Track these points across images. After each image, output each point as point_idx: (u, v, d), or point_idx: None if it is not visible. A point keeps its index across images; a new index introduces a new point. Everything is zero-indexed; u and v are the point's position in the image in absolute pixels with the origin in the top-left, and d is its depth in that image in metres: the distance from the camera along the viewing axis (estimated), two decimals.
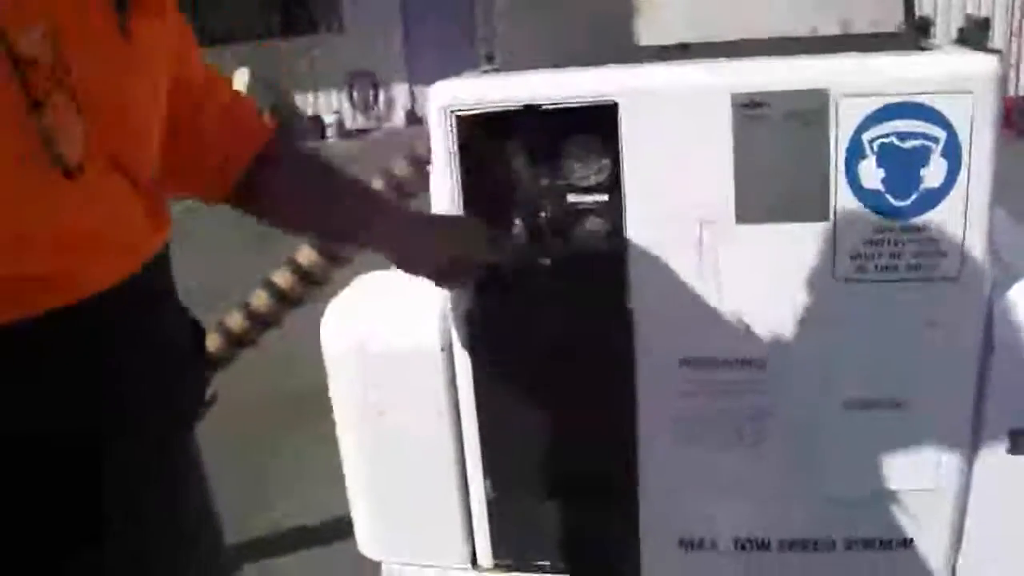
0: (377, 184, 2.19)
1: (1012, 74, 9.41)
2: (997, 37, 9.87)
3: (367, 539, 1.92)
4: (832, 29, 1.50)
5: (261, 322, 2.50)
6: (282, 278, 2.45)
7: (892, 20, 1.49)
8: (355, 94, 13.40)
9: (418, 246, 1.35)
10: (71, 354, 0.79)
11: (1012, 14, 9.34)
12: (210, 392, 1.27)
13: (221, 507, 1.09)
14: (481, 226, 1.47)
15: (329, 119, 12.99)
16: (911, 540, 1.63)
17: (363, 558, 1.94)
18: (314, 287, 2.43)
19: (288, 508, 2.98)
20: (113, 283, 0.82)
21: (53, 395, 0.78)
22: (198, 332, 1.06)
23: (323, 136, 12.81)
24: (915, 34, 1.50)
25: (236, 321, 2.49)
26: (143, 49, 0.87)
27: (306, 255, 2.38)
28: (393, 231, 1.32)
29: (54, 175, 0.74)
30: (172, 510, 0.98)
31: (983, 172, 1.40)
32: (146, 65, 0.89)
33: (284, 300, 2.43)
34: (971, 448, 1.56)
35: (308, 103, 13.53)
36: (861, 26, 1.49)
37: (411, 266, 1.38)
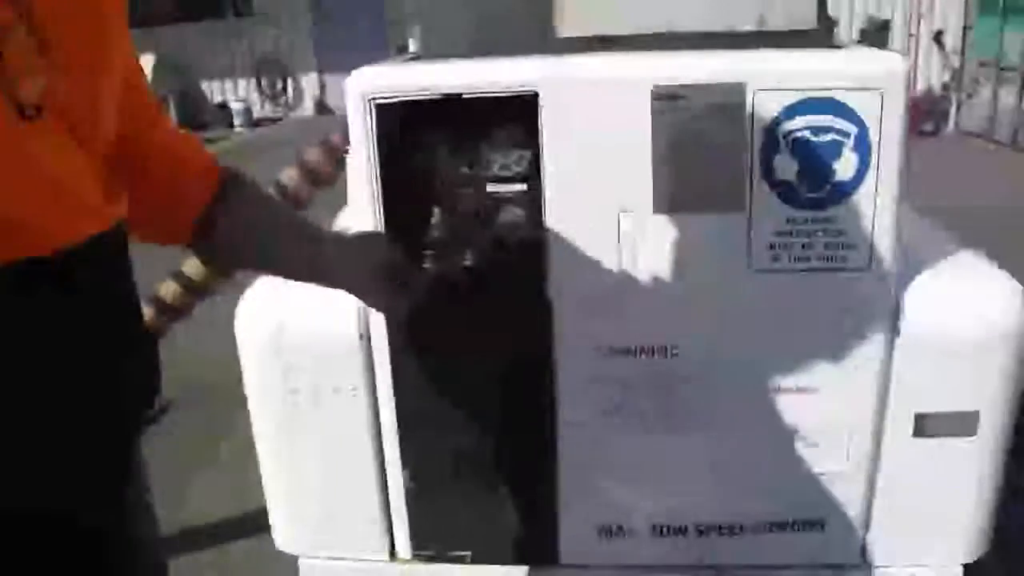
0: (290, 173, 2.15)
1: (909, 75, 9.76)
2: (896, 38, 10.26)
3: (284, 533, 1.89)
4: (749, 25, 1.53)
5: (171, 312, 2.43)
6: (191, 267, 2.38)
7: (806, 18, 1.52)
8: (263, 82, 13.14)
9: (356, 268, 1.30)
10: (43, 306, 0.77)
11: (910, 17, 9.70)
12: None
13: None
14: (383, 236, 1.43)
15: (236, 107, 12.69)
16: (823, 521, 1.68)
17: (280, 552, 1.91)
18: (223, 277, 2.37)
19: (201, 503, 2.91)
20: (79, 239, 0.79)
21: (26, 344, 0.76)
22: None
23: (231, 125, 12.51)
24: (827, 32, 1.54)
25: (146, 313, 2.41)
26: (108, 8, 0.85)
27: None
28: (338, 258, 1.28)
29: (9, 111, 0.71)
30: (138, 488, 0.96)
31: (892, 166, 1.45)
32: (110, 27, 0.86)
33: (194, 290, 2.37)
34: (878, 431, 1.62)
35: (215, 90, 13.20)
36: (776, 23, 1.52)
37: (361, 290, 1.33)
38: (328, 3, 12.51)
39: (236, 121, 12.50)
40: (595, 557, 1.75)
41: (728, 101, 1.42)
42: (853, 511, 1.67)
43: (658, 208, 1.49)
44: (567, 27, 1.55)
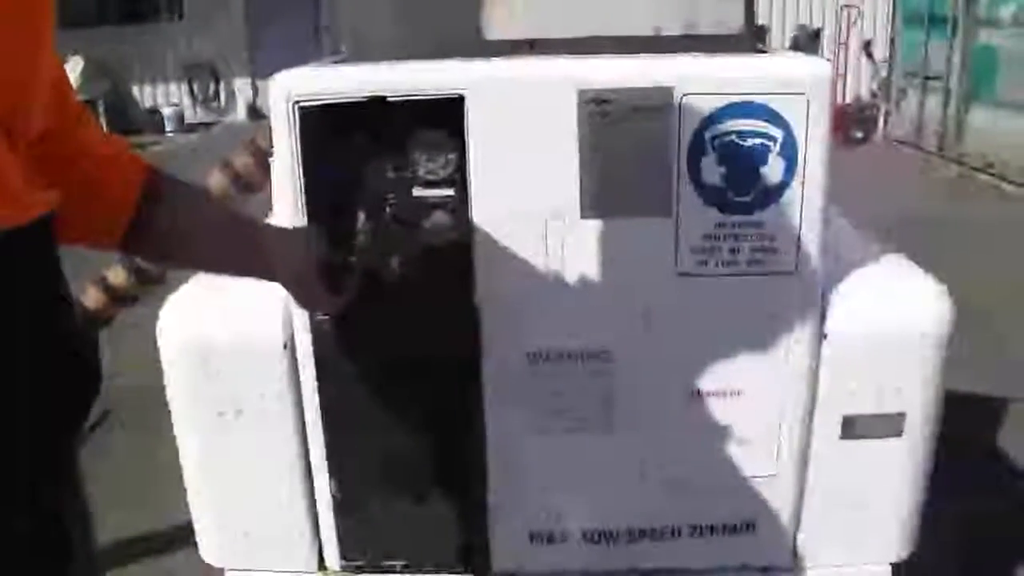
0: (217, 178, 2.09)
1: (838, 83, 9.99)
2: (826, 48, 10.48)
3: (209, 545, 1.83)
4: (676, 30, 1.53)
5: (91, 318, 2.35)
6: (114, 274, 2.31)
7: (733, 23, 1.53)
8: (195, 86, 12.91)
9: (292, 262, 1.28)
10: None
11: (839, 27, 9.93)
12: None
13: None
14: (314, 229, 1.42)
15: (168, 112, 12.45)
16: (754, 523, 1.69)
17: (206, 565, 1.85)
18: (147, 285, 2.31)
19: (123, 516, 2.82)
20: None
21: None
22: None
23: (162, 130, 12.27)
24: (754, 38, 1.55)
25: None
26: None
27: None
28: (274, 248, 1.26)
29: None
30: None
31: (817, 170, 1.46)
32: (40, 20, 0.83)
33: (115, 297, 2.29)
34: (807, 433, 1.63)
35: (145, 94, 12.94)
36: (704, 28, 1.53)
37: (296, 284, 1.31)
38: (262, 8, 12.35)
39: (168, 126, 12.26)
40: (527, 564, 1.73)
41: (655, 105, 1.42)
42: (784, 513, 1.68)
43: (585, 212, 1.48)
44: (494, 30, 1.54)
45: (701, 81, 1.41)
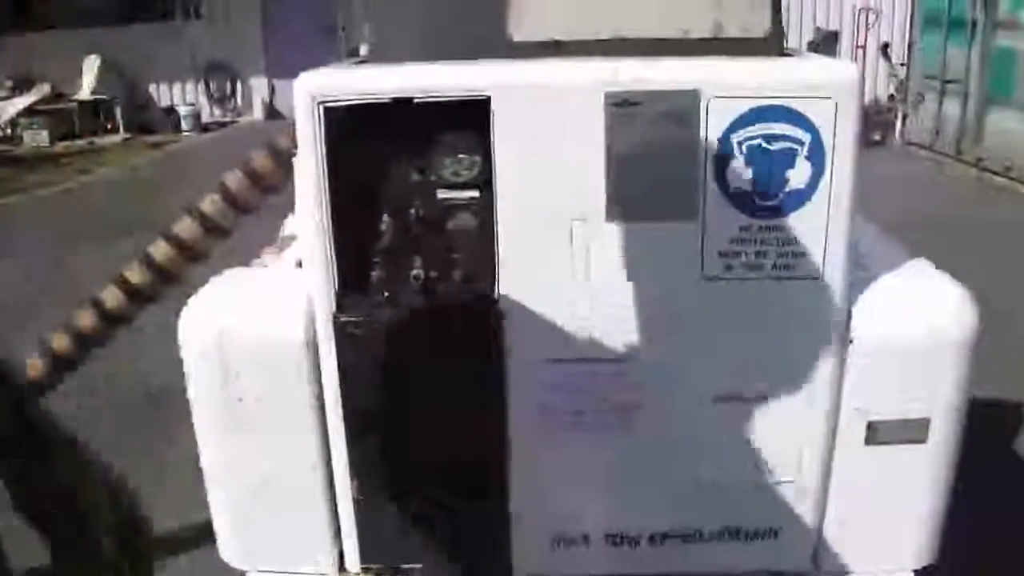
0: (236, 176, 2.09)
1: None
2: (843, 50, 10.44)
3: (229, 546, 1.83)
4: (703, 32, 1.52)
5: (85, 342, 2.33)
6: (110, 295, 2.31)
7: (761, 26, 1.52)
8: (211, 85, 12.94)
9: None
10: None
11: (857, 29, 9.88)
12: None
13: None
14: None
15: (184, 111, 12.49)
16: (777, 529, 1.68)
17: (226, 566, 1.85)
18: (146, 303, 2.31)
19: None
20: None
21: None
22: None
23: (178, 129, 12.31)
24: (781, 41, 1.54)
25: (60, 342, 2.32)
26: None
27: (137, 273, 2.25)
28: None
29: None
30: None
31: (845, 175, 1.45)
32: None
33: (111, 319, 2.27)
34: (831, 440, 1.62)
35: (162, 94, 12.98)
36: (731, 30, 1.51)
37: None
38: (278, 7, 12.37)
39: (184, 125, 12.31)
40: (549, 568, 1.73)
41: (682, 108, 1.41)
42: (806, 519, 1.67)
43: (611, 216, 1.48)
44: (521, 31, 1.53)
45: (728, 84, 1.41)
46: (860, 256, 1.70)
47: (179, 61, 12.37)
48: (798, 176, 1.44)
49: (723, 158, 1.43)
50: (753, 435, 1.60)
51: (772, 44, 1.53)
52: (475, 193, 1.55)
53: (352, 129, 1.51)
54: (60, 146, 11.54)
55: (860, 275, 1.60)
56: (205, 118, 12.78)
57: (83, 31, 11.84)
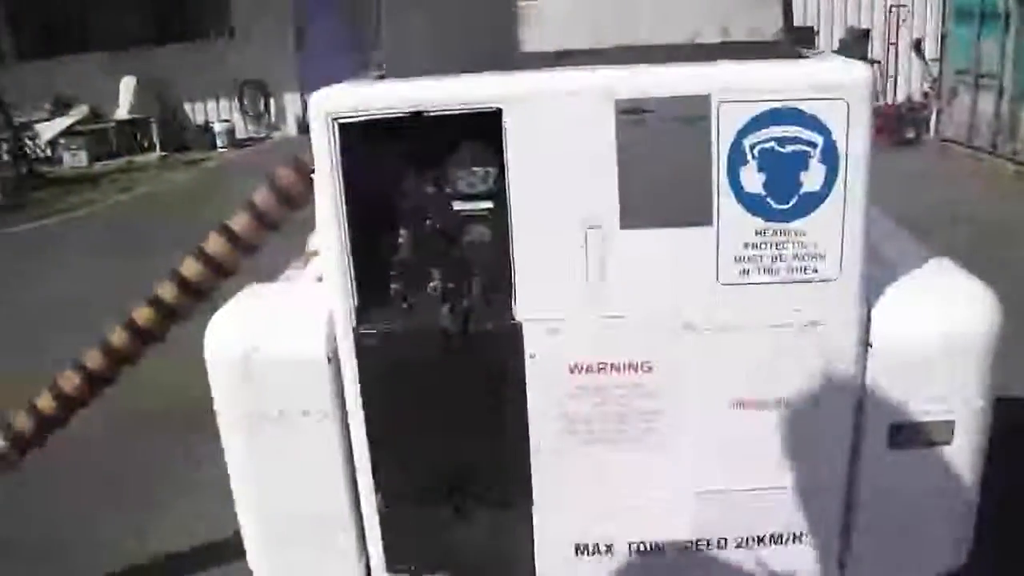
0: (263, 194, 2.12)
1: (889, 84, 9.83)
2: (875, 47, 10.31)
3: (256, 554, 1.86)
4: (712, 36, 1.52)
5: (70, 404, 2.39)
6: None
7: (771, 28, 1.51)
8: (245, 102, 13.09)
9: None
10: None
11: (889, 26, 9.76)
12: None
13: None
14: None
15: (219, 128, 12.65)
16: (801, 535, 1.67)
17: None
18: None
19: (182, 525, 2.88)
20: None
21: None
22: None
23: (213, 146, 12.47)
24: (793, 42, 1.53)
25: (45, 402, 2.39)
26: None
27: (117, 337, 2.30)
28: None
29: None
30: None
31: (859, 176, 1.44)
32: None
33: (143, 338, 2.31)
34: (854, 444, 1.60)
35: (197, 111, 13.16)
36: (740, 34, 1.51)
37: None
38: (310, 21, 12.49)
39: (219, 142, 12.46)
40: (572, 575, 1.73)
41: (692, 114, 1.41)
42: (831, 523, 1.66)
43: (625, 223, 1.48)
44: (531, 42, 1.54)
45: (738, 89, 1.40)
46: (880, 256, 1.69)
47: (213, 79, 12.53)
48: (812, 179, 1.43)
49: (736, 162, 1.43)
50: (774, 440, 1.59)
51: (783, 46, 1.53)
52: (490, 204, 1.56)
53: (366, 143, 1.53)
54: (99, 166, 11.74)
55: (879, 276, 1.58)
56: (240, 134, 12.93)
57: (119, 53, 12.05)
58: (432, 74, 1.54)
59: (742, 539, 1.67)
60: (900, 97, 10.01)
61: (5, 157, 10.39)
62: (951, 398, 1.56)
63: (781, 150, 1.42)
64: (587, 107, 1.43)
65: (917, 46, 9.78)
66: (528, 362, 1.58)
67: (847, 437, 1.60)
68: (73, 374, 2.32)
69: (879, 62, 9.95)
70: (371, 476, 1.72)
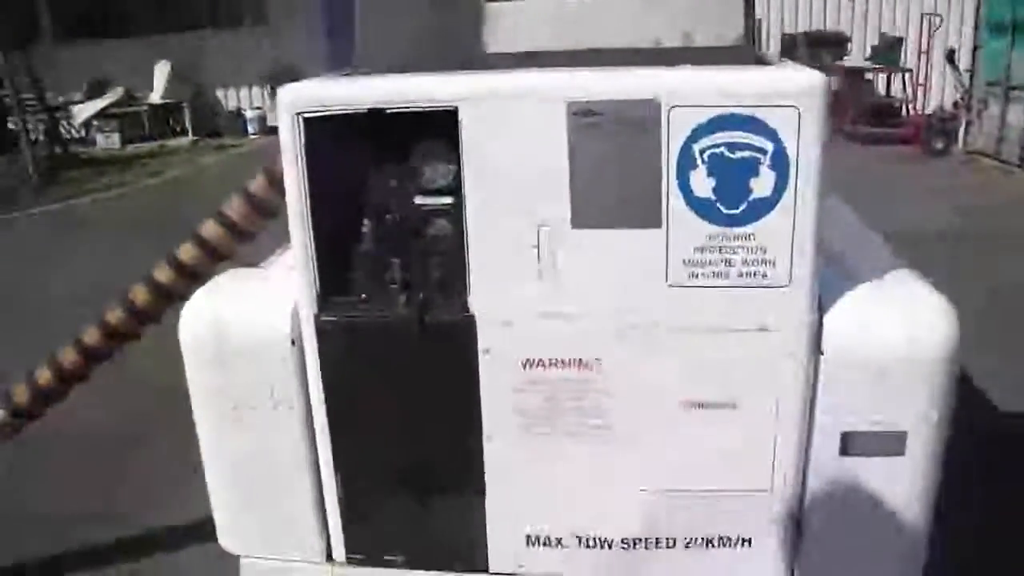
0: (236, 203, 2.16)
1: (920, 93, 9.72)
2: (908, 56, 10.20)
3: (226, 533, 1.92)
4: (674, 41, 1.53)
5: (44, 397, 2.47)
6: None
7: (732, 34, 1.52)
8: (277, 89, 13.22)
9: None
10: None
11: (921, 34, 9.63)
12: None
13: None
14: None
15: (250, 114, 12.79)
16: (749, 539, 1.68)
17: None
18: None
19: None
20: None
21: None
22: None
23: (244, 132, 12.62)
24: (754, 48, 1.54)
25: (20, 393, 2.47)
26: None
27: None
28: None
29: None
30: None
31: (810, 183, 1.45)
32: None
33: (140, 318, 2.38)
34: (805, 449, 1.61)
35: (229, 98, 13.32)
36: (703, 39, 1.53)
37: None
38: (342, 9, 12.57)
39: (250, 128, 12.61)
40: (524, 566, 1.76)
41: (642, 117, 1.43)
42: (781, 529, 1.67)
43: (577, 222, 1.50)
44: (496, 43, 1.57)
45: (688, 93, 1.42)
46: (845, 264, 1.69)
47: (245, 66, 12.66)
48: (762, 184, 1.44)
49: (685, 166, 1.44)
50: (723, 443, 1.61)
51: (744, 53, 1.54)
52: (450, 199, 1.58)
53: (331, 138, 1.56)
54: (131, 148, 11.93)
55: (836, 284, 1.59)
56: (271, 121, 13.05)
57: (155, 38, 12.22)
58: (399, 72, 1.57)
59: (690, 539, 1.68)
60: (931, 108, 9.89)
61: (40, 137, 10.56)
62: (903, 409, 1.56)
63: (731, 155, 1.43)
64: (539, 108, 1.46)
65: (950, 56, 9.65)
66: (481, 355, 1.61)
67: (799, 443, 1.60)
68: (72, 350, 2.40)
69: (911, 71, 9.84)
70: (331, 459, 1.76)
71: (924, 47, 9.55)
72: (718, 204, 1.46)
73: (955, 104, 9.55)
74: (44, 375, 2.45)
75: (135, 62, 12.16)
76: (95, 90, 12.36)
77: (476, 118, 1.48)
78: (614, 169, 1.47)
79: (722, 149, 1.43)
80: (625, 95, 1.43)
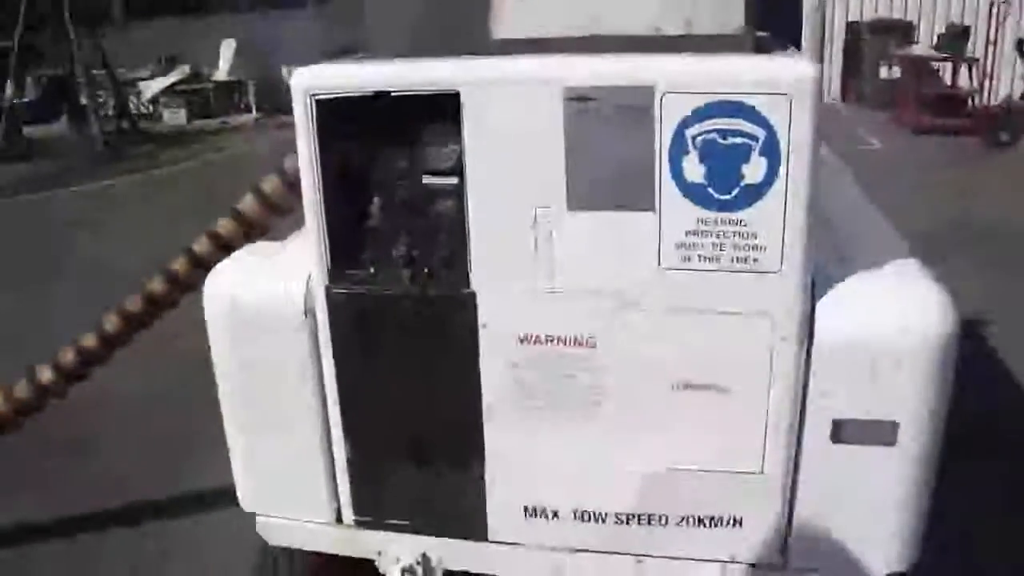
0: (249, 201, 2.27)
1: (987, 83, 9.46)
2: (977, 46, 9.94)
3: (245, 492, 2.02)
4: (675, 29, 1.56)
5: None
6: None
7: (733, 22, 1.54)
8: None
9: None
10: None
11: (989, 24, 9.37)
12: None
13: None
14: None
15: None
16: (741, 519, 1.71)
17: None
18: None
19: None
20: None
21: None
22: None
23: None
24: (754, 37, 1.56)
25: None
26: None
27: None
28: None
29: None
30: None
31: (802, 170, 1.46)
32: None
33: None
34: (796, 435, 1.63)
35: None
36: (703, 27, 1.55)
37: None
38: None
39: None
40: (522, 536, 1.82)
41: (636, 103, 1.46)
42: (772, 511, 1.69)
43: (572, 205, 1.55)
44: (502, 29, 1.61)
45: (681, 80, 1.45)
46: (846, 251, 1.70)
47: (309, 44, 12.84)
48: (753, 171, 1.47)
49: (678, 152, 1.48)
50: (714, 425, 1.64)
51: (745, 41, 1.56)
52: (456, 180, 1.64)
53: (343, 119, 1.63)
54: (196, 124, 12.21)
55: (834, 270, 1.60)
56: None
57: (220, 16, 12.47)
58: (411, 57, 1.63)
59: (683, 518, 1.72)
60: (998, 99, 9.62)
61: (109, 112, 10.88)
62: (896, 400, 1.57)
63: (723, 142, 1.46)
64: (536, 93, 1.50)
65: (1019, 46, 9.36)
66: (481, 331, 1.67)
67: (790, 428, 1.62)
68: (115, 316, 2.55)
69: (977, 60, 9.58)
70: (341, 425, 1.84)
71: (992, 37, 9.28)
72: (710, 189, 1.49)
73: (1022, 96, 9.28)
74: (89, 339, 2.60)
75: (201, 40, 12.44)
76: (163, 67, 12.67)
77: (476, 102, 1.53)
78: (608, 153, 1.51)
79: (714, 135, 1.46)
80: (619, 81, 1.46)
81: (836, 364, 1.57)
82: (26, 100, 11.28)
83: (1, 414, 2.67)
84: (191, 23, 12.82)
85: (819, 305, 1.57)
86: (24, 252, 6.33)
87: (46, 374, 2.61)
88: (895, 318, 1.56)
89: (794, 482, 1.67)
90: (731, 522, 1.72)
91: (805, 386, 1.60)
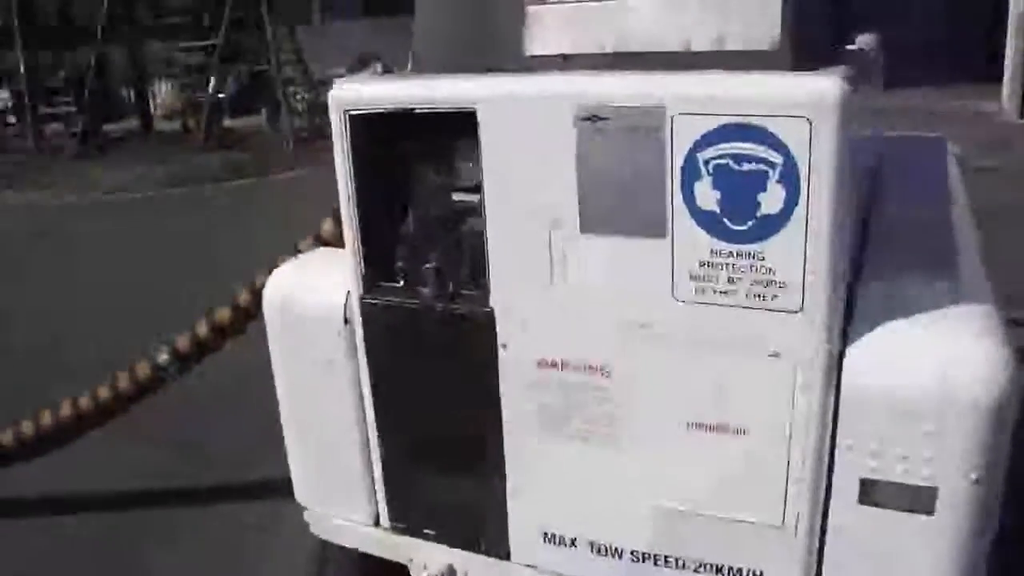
0: (308, 244, 2.39)
1: None
2: None
3: (299, 486, 2.11)
4: (705, 44, 1.46)
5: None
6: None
7: (767, 38, 1.42)
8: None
9: None
10: None
11: None
12: None
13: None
14: None
15: None
16: (760, 572, 1.59)
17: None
18: None
19: None
20: None
21: None
22: None
23: None
24: (792, 55, 1.43)
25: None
26: None
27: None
28: None
29: None
30: None
31: (825, 202, 1.33)
32: None
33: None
34: (824, 490, 1.49)
35: None
36: (734, 43, 1.44)
37: None
38: None
39: None
40: (540, 561, 1.78)
41: (647, 124, 1.38)
42: (795, 567, 1.55)
43: (585, 227, 1.49)
44: (535, 46, 1.57)
45: (694, 100, 1.36)
46: (874, 291, 1.51)
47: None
48: (770, 201, 1.35)
49: (690, 177, 1.39)
50: (731, 468, 1.53)
51: (782, 57, 1.43)
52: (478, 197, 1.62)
53: (377, 133, 1.65)
54: None
55: (863, 313, 1.44)
56: None
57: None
58: (439, 72, 1.62)
59: (700, 564, 1.62)
60: None
61: (304, 109, 11.52)
62: (935, 464, 1.38)
63: (737, 167, 1.35)
64: (548, 111, 1.46)
65: None
66: (500, 350, 1.65)
67: (814, 481, 1.48)
68: (229, 309, 2.72)
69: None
70: (376, 434, 1.86)
71: None
72: (724, 219, 1.39)
73: None
74: (203, 327, 2.77)
75: (400, 39, 12.94)
76: (358, 66, 13.27)
77: (492, 120, 1.51)
78: (620, 176, 1.44)
79: (728, 160, 1.36)
80: (630, 101, 1.39)
81: (864, 416, 1.41)
82: (226, 94, 12.16)
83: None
84: (388, 23, 13.35)
85: (851, 348, 1.42)
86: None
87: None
88: (938, 367, 1.37)
89: (822, 541, 1.53)
90: (750, 573, 1.60)
91: (833, 437, 1.46)
